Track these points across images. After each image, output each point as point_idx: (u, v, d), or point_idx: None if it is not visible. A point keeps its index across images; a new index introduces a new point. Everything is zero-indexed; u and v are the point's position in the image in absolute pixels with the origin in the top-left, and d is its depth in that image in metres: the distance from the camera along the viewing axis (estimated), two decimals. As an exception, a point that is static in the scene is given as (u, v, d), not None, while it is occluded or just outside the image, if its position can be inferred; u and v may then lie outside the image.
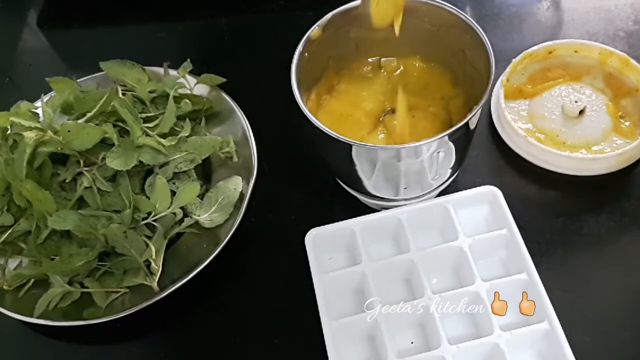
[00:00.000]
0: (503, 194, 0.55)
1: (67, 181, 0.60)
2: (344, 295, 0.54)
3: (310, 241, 0.55)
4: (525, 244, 0.53)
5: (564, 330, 0.48)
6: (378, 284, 0.52)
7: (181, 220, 0.59)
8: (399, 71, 0.60)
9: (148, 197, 0.59)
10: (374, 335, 0.52)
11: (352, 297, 0.54)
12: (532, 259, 0.52)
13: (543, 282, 0.50)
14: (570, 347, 0.47)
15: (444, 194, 0.57)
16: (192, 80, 0.68)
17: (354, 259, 0.56)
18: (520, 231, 0.53)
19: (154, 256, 0.56)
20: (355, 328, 0.51)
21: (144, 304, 0.54)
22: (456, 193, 0.56)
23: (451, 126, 0.48)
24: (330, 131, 0.49)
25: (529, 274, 0.51)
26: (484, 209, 0.57)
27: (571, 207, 0.59)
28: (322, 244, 0.55)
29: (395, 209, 0.56)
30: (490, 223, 0.56)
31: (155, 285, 0.56)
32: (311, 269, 0.54)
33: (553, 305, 0.49)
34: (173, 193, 0.59)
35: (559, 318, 0.49)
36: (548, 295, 0.50)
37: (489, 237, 0.54)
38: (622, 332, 0.52)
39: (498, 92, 0.63)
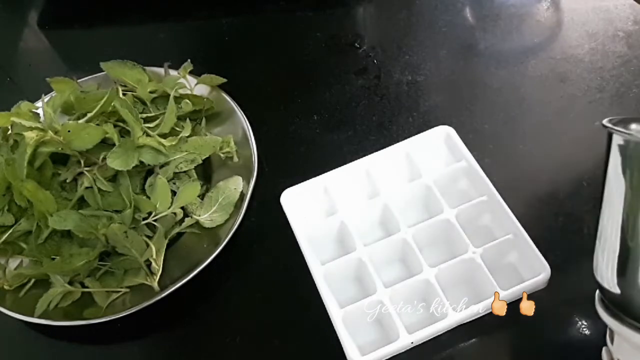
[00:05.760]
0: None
1: (67, 181, 0.60)
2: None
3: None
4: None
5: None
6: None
7: (182, 220, 0.59)
8: None
9: (149, 197, 0.59)
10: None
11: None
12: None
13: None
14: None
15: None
16: (192, 80, 0.68)
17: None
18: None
19: (154, 256, 0.56)
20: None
21: (145, 304, 0.54)
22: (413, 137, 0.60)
23: None
24: None
25: (489, 196, 0.56)
26: (441, 148, 0.61)
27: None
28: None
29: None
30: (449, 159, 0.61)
31: (155, 285, 0.56)
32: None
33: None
34: (173, 193, 0.59)
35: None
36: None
37: (449, 171, 0.58)
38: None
39: None
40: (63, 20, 0.87)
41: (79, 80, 0.69)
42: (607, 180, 0.43)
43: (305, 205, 0.59)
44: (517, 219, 0.53)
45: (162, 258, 0.57)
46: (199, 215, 0.59)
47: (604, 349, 0.45)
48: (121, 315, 0.54)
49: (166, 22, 0.83)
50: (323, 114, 0.68)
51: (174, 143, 0.61)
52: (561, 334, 0.51)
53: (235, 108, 0.66)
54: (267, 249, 0.60)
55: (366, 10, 0.80)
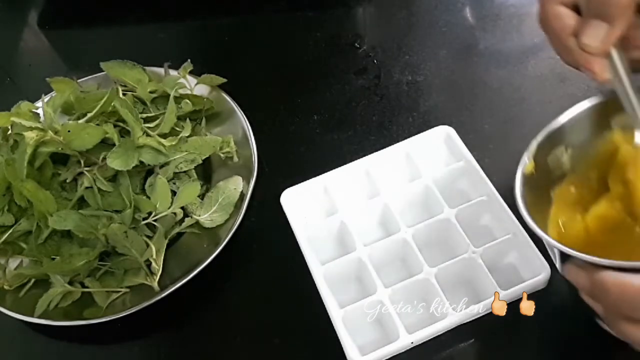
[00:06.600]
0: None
1: (67, 181, 0.60)
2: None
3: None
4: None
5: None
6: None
7: (182, 220, 0.59)
8: None
9: (148, 197, 0.59)
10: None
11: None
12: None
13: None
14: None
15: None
16: (192, 80, 0.68)
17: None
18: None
19: (154, 256, 0.56)
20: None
21: (145, 304, 0.54)
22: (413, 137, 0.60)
23: None
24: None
25: (489, 196, 0.55)
26: (441, 148, 0.61)
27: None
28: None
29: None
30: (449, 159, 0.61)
31: (155, 285, 0.56)
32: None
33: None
34: (173, 193, 0.59)
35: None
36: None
37: (449, 171, 0.58)
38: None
39: None
40: (63, 20, 0.87)
41: (79, 80, 0.69)
42: None
43: (305, 205, 0.59)
44: (517, 219, 0.53)
45: (162, 258, 0.57)
46: (199, 215, 0.59)
47: None
48: (121, 315, 0.54)
49: (166, 22, 0.83)
50: (323, 114, 0.68)
51: (174, 143, 0.61)
52: (561, 334, 0.51)
53: (235, 108, 0.66)
54: (267, 249, 0.60)
55: (366, 10, 0.80)
